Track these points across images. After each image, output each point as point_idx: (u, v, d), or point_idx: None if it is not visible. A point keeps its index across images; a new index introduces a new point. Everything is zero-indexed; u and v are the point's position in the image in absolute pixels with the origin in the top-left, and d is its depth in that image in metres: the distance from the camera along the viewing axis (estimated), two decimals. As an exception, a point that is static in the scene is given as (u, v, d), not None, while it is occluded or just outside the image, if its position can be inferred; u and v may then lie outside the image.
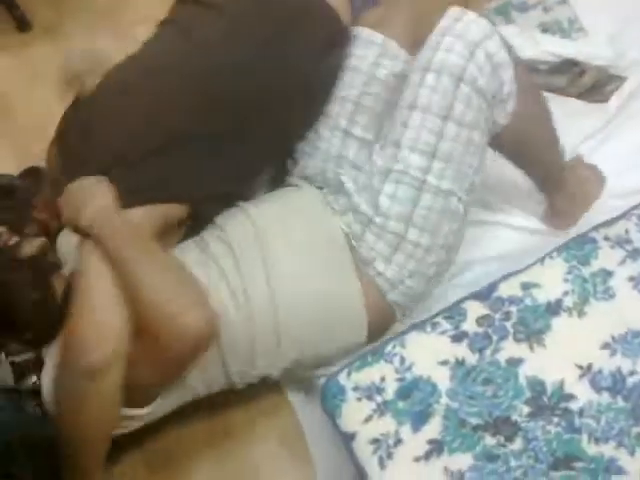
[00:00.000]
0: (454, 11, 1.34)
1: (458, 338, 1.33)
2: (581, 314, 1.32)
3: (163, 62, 1.42)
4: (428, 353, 1.32)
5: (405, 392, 1.28)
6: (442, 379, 1.28)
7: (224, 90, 1.37)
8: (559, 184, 1.55)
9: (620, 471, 1.15)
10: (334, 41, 1.48)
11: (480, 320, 1.34)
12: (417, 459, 1.21)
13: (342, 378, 1.31)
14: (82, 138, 1.38)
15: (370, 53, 1.48)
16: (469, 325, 1.34)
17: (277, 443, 1.49)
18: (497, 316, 1.35)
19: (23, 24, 2.36)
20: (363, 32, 1.51)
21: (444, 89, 1.31)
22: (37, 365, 1.30)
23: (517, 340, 1.31)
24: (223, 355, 1.34)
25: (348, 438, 1.25)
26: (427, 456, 1.21)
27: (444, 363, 1.30)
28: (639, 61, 1.83)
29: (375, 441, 1.23)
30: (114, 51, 1.51)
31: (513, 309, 1.35)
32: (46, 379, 1.28)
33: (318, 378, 1.42)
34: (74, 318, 1.21)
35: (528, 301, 1.35)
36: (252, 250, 1.36)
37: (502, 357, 1.29)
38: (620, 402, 1.21)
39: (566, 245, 1.41)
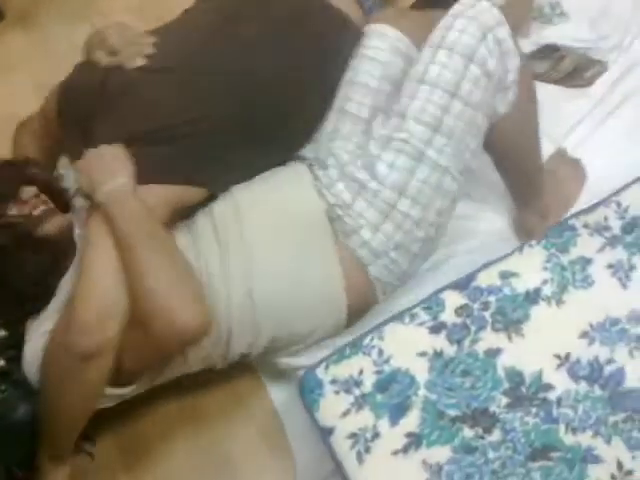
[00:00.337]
0: None
1: (436, 329, 1.32)
2: (560, 303, 1.32)
3: (208, 57, 1.43)
4: (406, 345, 1.31)
5: (383, 385, 1.27)
6: (420, 371, 1.28)
7: (262, 91, 1.40)
8: (536, 191, 1.55)
9: (596, 460, 1.15)
10: (346, 43, 1.50)
11: (459, 310, 1.34)
12: (395, 453, 1.20)
13: (320, 372, 1.31)
14: (111, 104, 1.39)
15: (382, 45, 1.48)
16: (448, 316, 1.34)
17: (255, 429, 1.49)
18: (476, 306, 1.34)
19: (-4, 13, 2.32)
20: (376, 27, 1.50)
21: (455, 67, 1.33)
22: (7, 345, 1.31)
23: (495, 330, 1.30)
24: None
25: (326, 433, 1.24)
26: (405, 449, 1.20)
27: (422, 354, 1.29)
28: (620, 45, 1.83)
29: (353, 435, 1.23)
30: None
31: (492, 299, 1.34)
32: (30, 350, 1.29)
33: (296, 370, 1.41)
34: (78, 298, 1.22)
35: (507, 290, 1.35)
36: (231, 231, 1.37)
37: (480, 348, 1.29)
38: (597, 391, 1.21)
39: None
